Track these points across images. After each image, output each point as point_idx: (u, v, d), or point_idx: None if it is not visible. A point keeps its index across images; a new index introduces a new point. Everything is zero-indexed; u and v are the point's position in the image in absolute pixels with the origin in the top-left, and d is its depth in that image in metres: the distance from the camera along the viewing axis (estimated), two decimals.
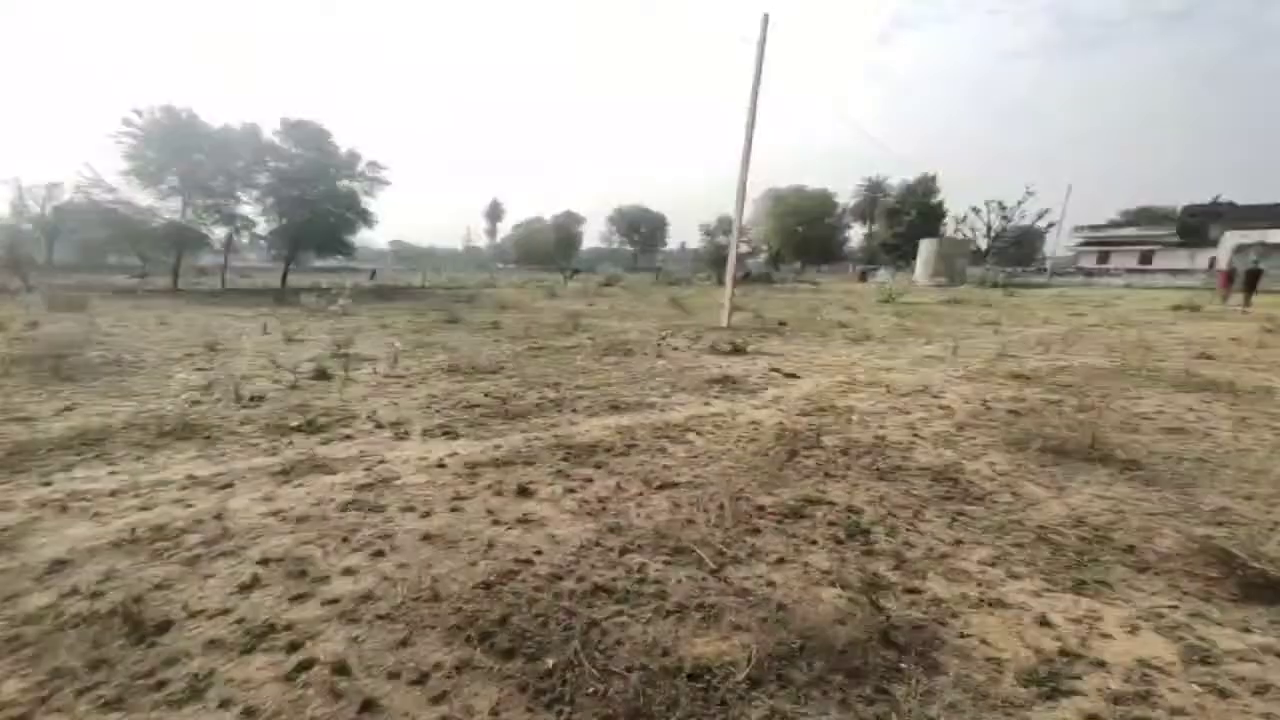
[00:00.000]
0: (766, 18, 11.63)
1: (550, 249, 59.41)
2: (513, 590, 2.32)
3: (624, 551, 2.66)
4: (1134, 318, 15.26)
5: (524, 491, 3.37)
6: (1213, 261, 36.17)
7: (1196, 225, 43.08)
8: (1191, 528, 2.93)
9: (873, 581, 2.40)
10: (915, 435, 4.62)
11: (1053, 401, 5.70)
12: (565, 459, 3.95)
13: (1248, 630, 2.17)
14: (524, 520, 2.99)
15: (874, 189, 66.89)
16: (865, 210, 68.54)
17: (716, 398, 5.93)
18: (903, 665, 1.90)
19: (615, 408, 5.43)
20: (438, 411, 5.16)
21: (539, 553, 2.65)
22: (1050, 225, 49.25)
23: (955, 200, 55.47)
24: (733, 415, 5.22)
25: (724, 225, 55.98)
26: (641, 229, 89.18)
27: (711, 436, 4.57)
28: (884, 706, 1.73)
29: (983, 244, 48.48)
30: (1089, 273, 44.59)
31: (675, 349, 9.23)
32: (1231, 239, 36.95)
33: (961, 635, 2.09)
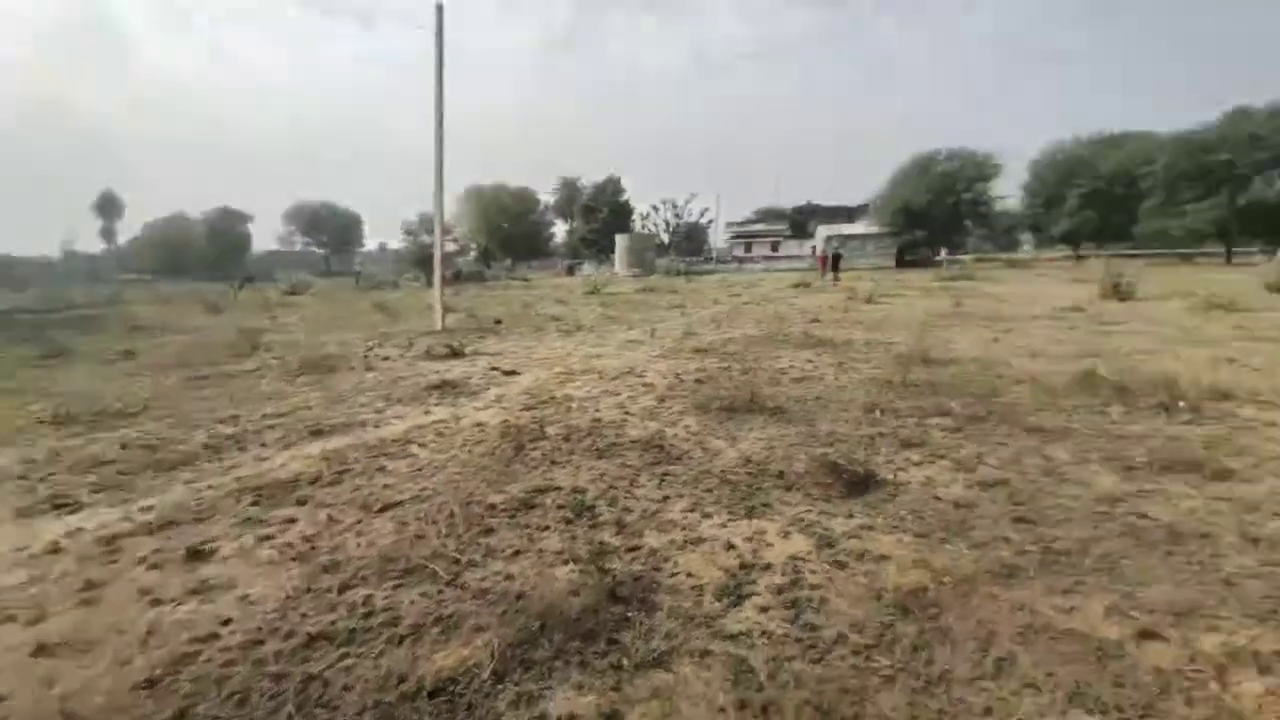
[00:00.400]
0: (440, 8, 11.36)
1: (206, 253, 48.18)
2: (191, 677, 1.88)
3: (344, 588, 2.38)
4: (771, 295, 19.65)
5: (197, 555, 2.73)
6: (814, 249, 48.61)
7: (802, 221, 57.56)
8: (814, 450, 3.96)
9: (599, 550, 2.65)
10: (626, 413, 5.18)
11: (724, 368, 7.01)
12: (255, 503, 3.32)
13: (851, 516, 3.05)
14: (200, 589, 2.43)
15: (570, 187, 71.45)
16: (564, 207, 72.86)
17: (437, 405, 5.68)
18: (629, 614, 2.16)
19: (318, 433, 4.76)
20: (41, 481, 3.79)
21: (227, 622, 2.19)
22: (710, 222, 59.89)
23: (639, 198, 62.99)
24: (456, 420, 5.08)
25: (427, 224, 53.27)
26: (330, 229, 78.68)
27: (435, 445, 4.38)
28: (616, 654, 1.95)
29: (665, 238, 56.28)
30: (740, 260, 55.73)
31: (386, 359, 8.50)
32: (823, 232, 50.28)
33: (672, 575, 2.47)
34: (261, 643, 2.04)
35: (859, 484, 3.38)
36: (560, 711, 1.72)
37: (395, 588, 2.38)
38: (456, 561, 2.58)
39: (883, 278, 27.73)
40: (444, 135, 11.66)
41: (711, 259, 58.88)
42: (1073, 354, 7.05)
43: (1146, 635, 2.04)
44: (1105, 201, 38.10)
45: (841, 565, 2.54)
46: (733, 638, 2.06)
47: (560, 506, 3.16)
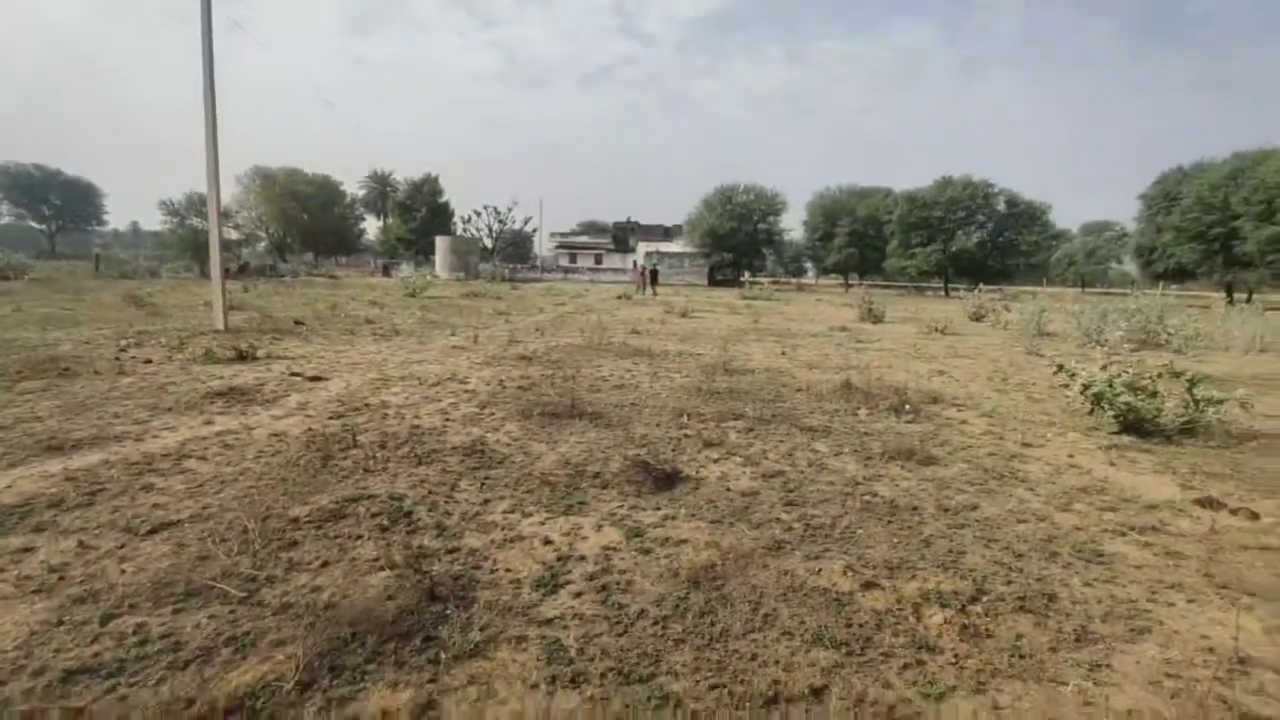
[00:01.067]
0: None
1: None
2: None
3: (108, 619, 2.07)
4: (595, 305, 20.33)
5: None
6: (634, 264, 51.17)
7: (623, 236, 60.20)
8: (628, 451, 4.32)
9: (418, 554, 2.64)
10: (447, 419, 5.08)
11: (548, 375, 7.18)
12: None
13: (658, 509, 3.42)
14: None
15: (381, 182, 66.22)
16: (376, 203, 67.26)
17: (222, 414, 4.99)
18: (448, 612, 2.22)
19: (56, 449, 3.92)
20: None
21: None
22: (534, 230, 59.78)
23: (459, 202, 60.60)
24: (248, 431, 4.53)
25: (196, 205, 45.15)
26: (53, 200, 62.93)
27: (221, 459, 3.88)
28: (434, 650, 2.00)
29: (488, 243, 54.81)
30: (566, 270, 56.49)
31: (148, 362, 7.15)
32: (643, 248, 53.15)
33: (491, 571, 2.57)
34: (2, 683, 1.70)
35: (666, 480, 3.78)
36: (374, 710, 1.73)
37: (175, 613, 2.13)
38: (252, 579, 2.38)
39: (696, 294, 30.26)
40: (216, 107, 10.15)
41: (537, 267, 58.78)
42: (838, 366, 8.53)
43: (869, 586, 2.66)
44: (862, 240, 46.34)
45: (647, 551, 2.86)
46: (548, 622, 2.24)
47: (375, 515, 3.05)
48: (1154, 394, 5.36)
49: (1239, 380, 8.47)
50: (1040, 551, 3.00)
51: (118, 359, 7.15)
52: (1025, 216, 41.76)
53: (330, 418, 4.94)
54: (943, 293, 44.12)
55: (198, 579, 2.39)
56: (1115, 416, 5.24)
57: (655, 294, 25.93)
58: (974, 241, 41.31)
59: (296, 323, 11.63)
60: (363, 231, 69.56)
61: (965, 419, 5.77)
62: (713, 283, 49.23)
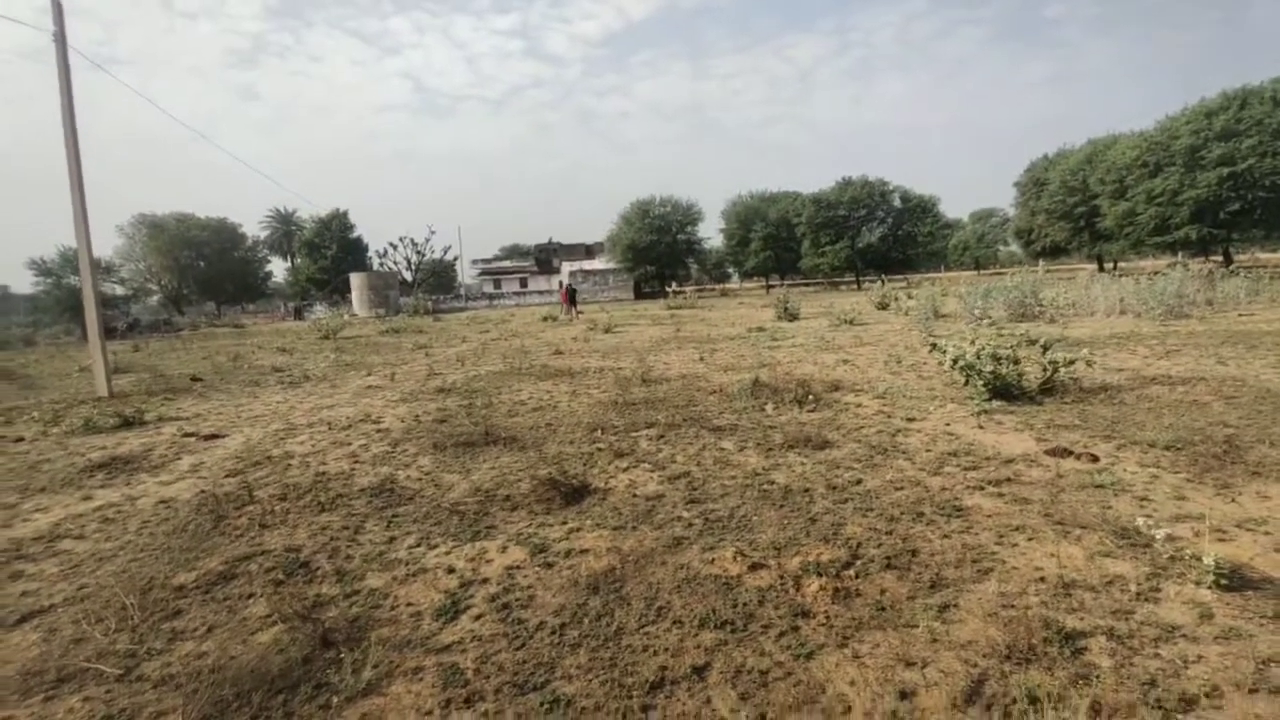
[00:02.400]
0: (58, 5, 9.32)
1: None
2: None
3: None
4: (519, 330, 20.19)
5: None
6: (560, 284, 51.14)
7: (546, 258, 60.10)
8: (540, 471, 4.39)
9: (314, 602, 2.61)
10: (356, 462, 4.97)
11: (466, 405, 7.13)
12: None
13: (565, 523, 3.51)
14: None
15: (284, 221, 63.20)
16: (280, 243, 64.02)
17: (103, 487, 4.67)
18: (342, 656, 2.23)
19: None
20: None
21: None
22: (455, 259, 58.64)
23: (374, 236, 58.70)
24: (131, 501, 4.27)
25: (72, 261, 41.45)
26: None
27: (100, 535, 3.65)
28: (326, 695, 2.01)
29: (408, 276, 53.25)
30: (491, 297, 55.66)
31: (19, 440, 6.55)
32: (567, 268, 53.20)
33: (391, 608, 2.59)
34: None
35: (575, 494, 3.89)
36: None
37: (46, 700, 2.03)
38: (131, 655, 2.29)
39: (622, 309, 30.59)
40: (79, 151, 9.48)
41: (461, 296, 57.60)
42: (751, 365, 8.92)
43: (755, 567, 2.86)
44: (777, 243, 48.47)
45: (550, 565, 2.95)
46: (445, 649, 2.29)
47: (269, 570, 2.98)
48: (1015, 361, 5.98)
49: (1098, 341, 9.55)
50: (910, 514, 3.31)
51: None
52: (919, 210, 45.00)
53: (226, 476, 4.72)
54: (855, 285, 46.69)
55: (71, 663, 2.28)
56: (984, 385, 5.81)
57: (580, 313, 25.99)
58: (877, 236, 44.11)
59: (193, 379, 10.91)
60: (269, 275, 65.84)
61: (861, 402, 6.20)
62: (639, 296, 49.90)
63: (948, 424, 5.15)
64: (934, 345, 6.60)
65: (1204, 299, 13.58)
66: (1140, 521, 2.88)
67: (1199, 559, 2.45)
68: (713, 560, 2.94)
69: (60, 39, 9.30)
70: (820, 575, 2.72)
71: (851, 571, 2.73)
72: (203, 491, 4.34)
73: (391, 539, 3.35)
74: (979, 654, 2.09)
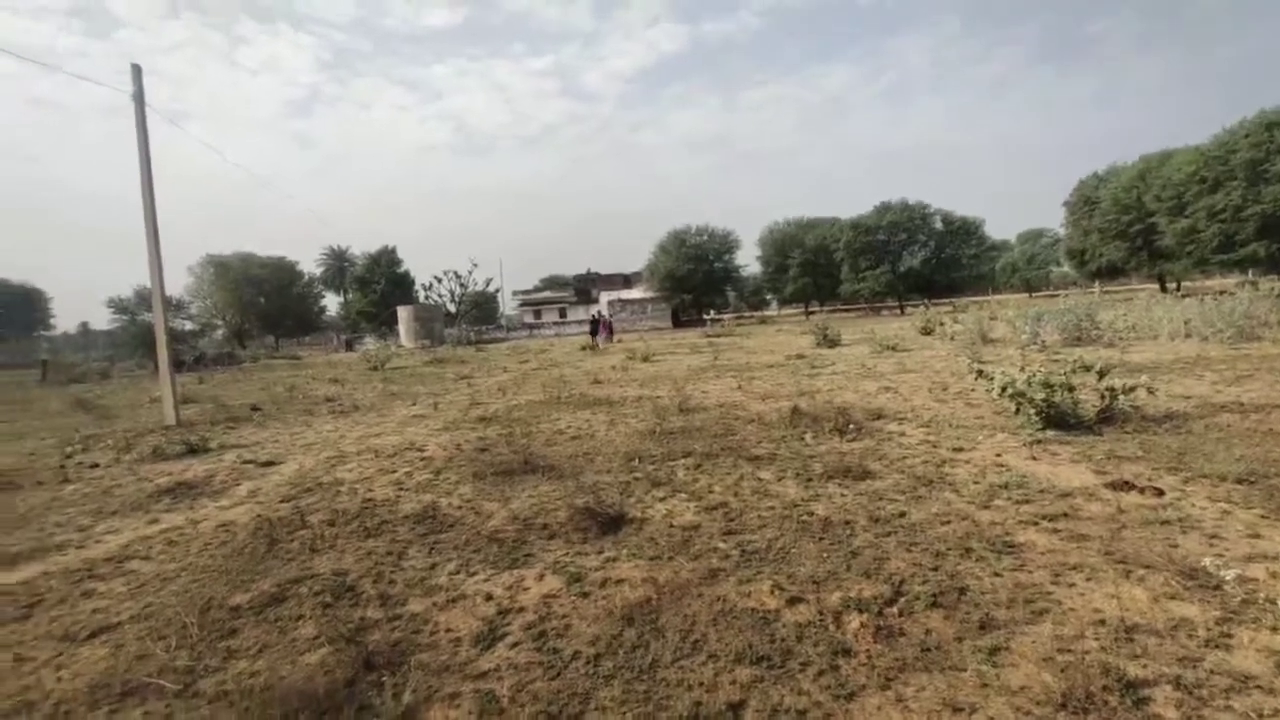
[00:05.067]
0: (137, 69, 10.30)
1: None
2: None
3: None
4: (559, 359, 20.50)
5: None
6: (599, 313, 51.86)
7: (585, 288, 61.09)
8: (576, 500, 4.42)
9: (359, 626, 2.69)
10: (401, 489, 5.12)
11: (506, 434, 7.27)
12: None
13: (601, 552, 3.52)
14: None
15: (338, 258, 66.46)
16: (334, 279, 67.25)
17: (168, 511, 4.95)
18: (384, 679, 2.28)
19: None
20: None
21: None
22: (497, 290, 60.27)
23: (420, 270, 61.09)
24: (194, 525, 4.50)
25: (146, 300, 44.58)
26: None
27: (165, 556, 3.86)
28: (368, 717, 2.07)
29: (451, 308, 54.92)
30: (531, 327, 56.81)
31: (94, 466, 7.01)
32: (605, 297, 53.93)
33: (431, 633, 2.64)
34: None
35: (612, 524, 3.90)
36: None
37: (110, 713, 2.16)
38: (189, 671, 2.41)
39: (659, 338, 30.72)
40: (154, 199, 10.29)
41: (503, 327, 59.01)
42: (790, 394, 8.80)
43: (794, 601, 2.81)
44: (815, 269, 48.06)
45: (586, 595, 2.96)
46: (482, 675, 2.32)
47: (318, 592, 3.09)
48: (1070, 388, 5.73)
49: (1162, 366, 9.05)
50: (958, 549, 3.19)
51: (62, 467, 6.99)
52: (962, 232, 44.02)
53: (280, 501, 4.94)
54: (898, 310, 45.66)
55: (134, 677, 2.41)
56: (1037, 413, 5.57)
57: (611, 339, 26.17)
58: (919, 260, 43.28)
59: (252, 409, 11.49)
60: (323, 309, 69.10)
61: (904, 431, 6.03)
62: (677, 324, 50.04)
63: (998, 455, 4.95)
64: (981, 372, 6.40)
65: (1276, 320, 12.72)
66: (1209, 561, 2.71)
67: (1274, 602, 2.28)
68: (750, 593, 2.90)
69: (139, 98, 10.22)
70: (862, 612, 2.65)
71: (895, 609, 2.64)
72: (259, 516, 4.54)
73: (433, 565, 3.43)
74: (1032, 701, 1.99)
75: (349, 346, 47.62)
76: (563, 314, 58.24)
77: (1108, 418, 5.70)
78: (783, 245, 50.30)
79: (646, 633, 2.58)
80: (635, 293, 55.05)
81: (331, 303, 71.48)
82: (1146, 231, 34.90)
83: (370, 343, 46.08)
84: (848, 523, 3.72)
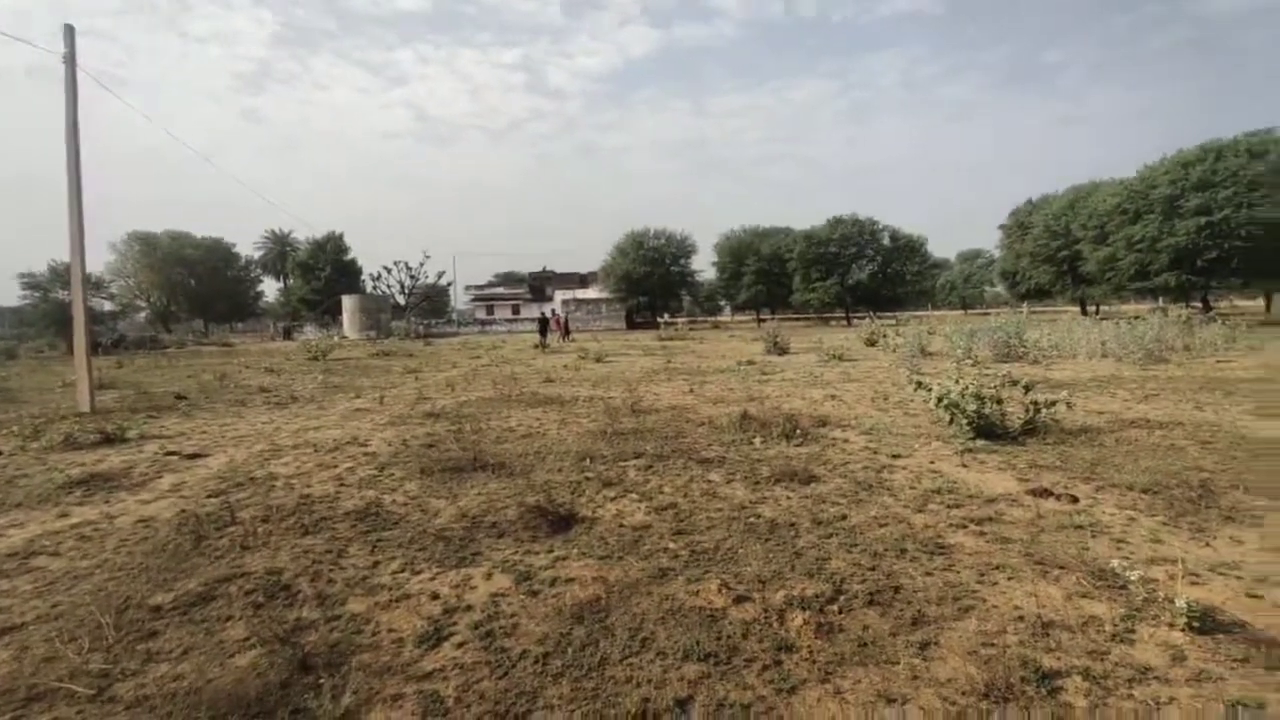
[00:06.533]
0: (70, 29, 9.57)
1: None
2: None
3: None
4: (511, 356, 20.21)
5: None
6: (553, 312, 51.29)
7: (540, 286, 60.43)
8: (527, 498, 4.38)
9: (294, 626, 2.59)
10: (341, 485, 4.94)
11: (455, 431, 7.11)
12: None
13: (551, 551, 3.50)
14: None
15: (280, 242, 63.41)
16: (274, 264, 64.04)
17: (80, 504, 4.60)
18: (321, 681, 2.20)
19: None
20: None
21: None
22: (449, 284, 58.84)
23: (371, 260, 58.90)
24: (110, 519, 4.20)
25: (62, 276, 41.26)
26: None
27: (76, 552, 3.59)
28: None
29: (401, 300, 53.24)
30: (483, 323, 55.70)
31: None
32: (560, 296, 53.53)
33: (373, 634, 2.56)
34: None
35: (562, 522, 3.89)
36: None
37: (16, 718, 1.99)
38: (104, 675, 2.25)
39: (613, 338, 30.72)
40: (80, 170, 9.55)
41: (454, 322, 57.65)
42: (740, 398, 8.99)
43: (740, 599, 2.87)
44: (769, 277, 49.26)
45: (535, 593, 2.94)
46: (426, 676, 2.27)
47: (249, 592, 2.95)
48: (999, 401, 6.10)
49: (1080, 384, 9.72)
50: (894, 550, 3.34)
51: None
52: (907, 249, 46.06)
53: (208, 496, 4.67)
54: (845, 321, 47.28)
55: (42, 682, 2.23)
56: (968, 424, 5.90)
57: (566, 337, 25.94)
58: (866, 274, 44.97)
59: (177, 397, 10.80)
60: (260, 294, 65.66)
61: (847, 438, 6.26)
62: (631, 325, 50.19)
63: (932, 462, 5.21)
64: (919, 384, 6.71)
65: (1182, 344, 13.90)
66: (1117, 563, 2.94)
67: (1172, 601, 2.50)
68: (698, 592, 2.95)
69: (70, 60, 9.47)
70: (804, 609, 2.74)
71: (835, 607, 2.75)
72: (183, 511, 4.28)
73: (375, 563, 3.33)
74: (958, 691, 2.11)
75: (287, 335, 45.37)
76: (516, 311, 57.39)
77: (1031, 429, 6.09)
78: (738, 252, 51.29)
79: (596, 631, 2.59)
80: (591, 292, 54.86)
81: (270, 289, 68.06)
82: (1072, 258, 37.43)
83: (311, 332, 44.05)
84: (792, 524, 3.83)
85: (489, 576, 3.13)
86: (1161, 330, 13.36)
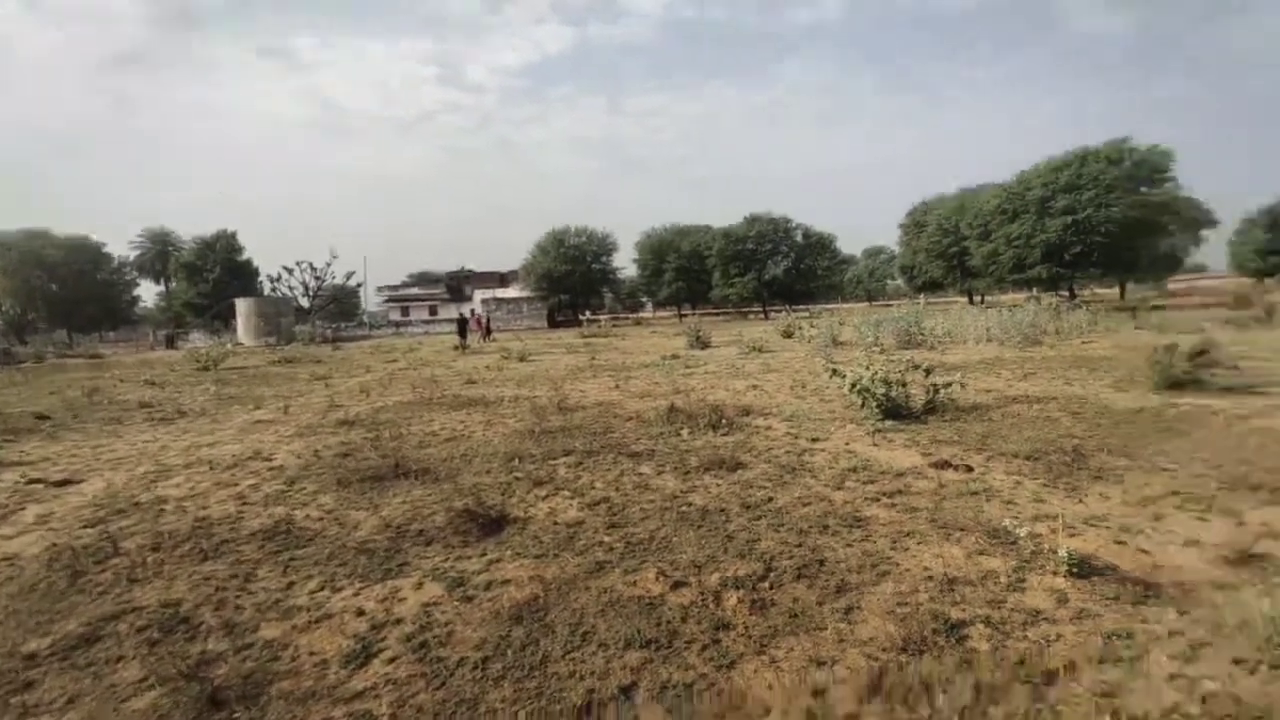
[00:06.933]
0: None
1: None
2: None
3: None
4: (429, 359, 19.42)
5: None
6: (472, 312, 49.55)
7: (457, 285, 58.39)
8: (455, 503, 4.23)
9: (199, 660, 2.37)
10: (244, 504, 4.56)
11: (372, 438, 6.74)
12: None
13: (484, 554, 3.41)
14: None
15: (159, 241, 57.46)
16: (153, 265, 57.92)
17: None
18: (236, 715, 2.03)
19: None
20: None
21: None
22: (359, 285, 55.52)
23: (270, 260, 54.49)
24: None
25: None
26: None
27: None
28: None
29: (304, 302, 49.66)
30: (398, 324, 53.12)
31: None
32: (479, 296, 52.01)
33: (293, 659, 2.39)
34: None
35: (494, 525, 3.80)
36: None
37: None
38: None
39: (535, 337, 30.27)
40: None
41: (365, 324, 54.56)
42: (666, 392, 9.12)
43: (677, 585, 2.93)
44: (689, 274, 50.30)
45: (470, 599, 2.86)
46: (357, 696, 2.15)
47: (142, 629, 2.66)
48: (904, 384, 6.57)
49: (970, 366, 10.65)
50: (817, 527, 3.53)
51: None
52: (819, 246, 48.47)
53: (83, 527, 4.17)
54: (762, 315, 49.12)
55: None
56: (878, 406, 6.32)
57: (467, 345, 24.36)
58: (781, 269, 46.88)
59: (39, 418, 9.53)
60: (136, 300, 59.12)
61: (770, 425, 6.52)
62: (553, 324, 49.58)
63: (848, 443, 5.53)
64: (834, 371, 7.11)
65: (1053, 329, 15.56)
66: (1008, 522, 3.26)
67: (1055, 553, 2.81)
68: (635, 582, 2.98)
69: None
70: (738, 589, 2.84)
71: (766, 583, 2.87)
72: (54, 545, 3.80)
73: (290, 584, 3.10)
74: (879, 648, 2.27)
75: (170, 344, 41.10)
76: (433, 312, 55.13)
77: (931, 409, 6.61)
78: (659, 250, 51.92)
79: (536, 630, 2.56)
80: (511, 291, 53.66)
81: (149, 292, 61.51)
82: (961, 253, 40.81)
83: (199, 340, 40.15)
84: (723, 510, 3.95)
85: (419, 586, 3.00)
86: (1036, 317, 14.90)
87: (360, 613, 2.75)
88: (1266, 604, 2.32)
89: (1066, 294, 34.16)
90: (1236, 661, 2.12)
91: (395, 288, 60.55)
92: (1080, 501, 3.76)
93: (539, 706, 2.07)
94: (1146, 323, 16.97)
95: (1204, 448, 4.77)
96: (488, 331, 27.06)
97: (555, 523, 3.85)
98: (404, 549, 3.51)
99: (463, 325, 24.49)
